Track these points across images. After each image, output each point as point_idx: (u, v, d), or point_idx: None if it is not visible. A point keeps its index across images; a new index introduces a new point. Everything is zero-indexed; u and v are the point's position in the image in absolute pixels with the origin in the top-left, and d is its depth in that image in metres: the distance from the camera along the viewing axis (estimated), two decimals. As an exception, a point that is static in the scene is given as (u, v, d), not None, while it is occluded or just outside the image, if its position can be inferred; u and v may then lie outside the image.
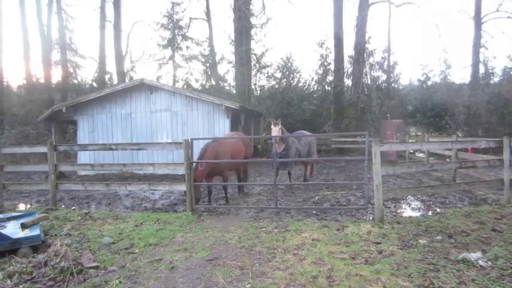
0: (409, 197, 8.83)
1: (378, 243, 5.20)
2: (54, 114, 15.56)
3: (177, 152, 12.64)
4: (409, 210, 7.84)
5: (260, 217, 7.02)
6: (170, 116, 15.06)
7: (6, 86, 28.78)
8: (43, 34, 26.10)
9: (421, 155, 17.64)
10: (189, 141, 6.97)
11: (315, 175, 12.20)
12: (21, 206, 9.15)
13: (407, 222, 6.45)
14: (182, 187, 7.13)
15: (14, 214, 6.21)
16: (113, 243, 5.44)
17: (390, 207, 7.94)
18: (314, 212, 7.63)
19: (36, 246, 5.05)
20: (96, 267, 4.42)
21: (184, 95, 14.93)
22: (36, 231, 5.17)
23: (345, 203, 8.42)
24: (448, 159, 14.95)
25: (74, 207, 8.67)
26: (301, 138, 10.40)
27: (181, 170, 7.26)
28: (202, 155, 7.75)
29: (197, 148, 7.87)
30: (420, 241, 5.34)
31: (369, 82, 25.12)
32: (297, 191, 9.92)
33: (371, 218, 7.00)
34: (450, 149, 11.00)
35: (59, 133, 16.42)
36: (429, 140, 13.80)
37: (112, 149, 7.42)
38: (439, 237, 5.47)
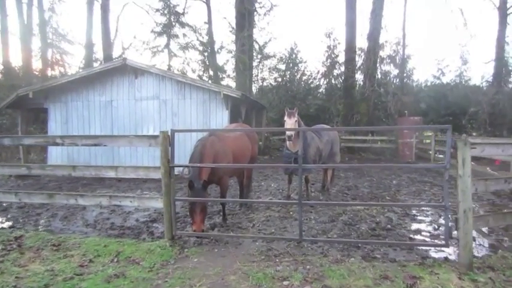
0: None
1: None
2: (20, 101, 13.04)
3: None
4: (485, 241, 5.48)
5: (274, 251, 4.56)
6: (158, 105, 12.61)
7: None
8: (22, 18, 23.50)
9: (441, 156, 15.41)
10: (169, 133, 4.53)
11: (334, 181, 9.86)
12: None
13: (504, 266, 4.15)
14: (158, 204, 4.70)
15: None
16: (19, 313, 3.04)
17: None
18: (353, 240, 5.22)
19: None
20: None
21: (176, 79, 12.44)
22: None
23: (389, 226, 6.03)
24: (487, 168, 12.50)
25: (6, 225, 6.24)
26: (322, 134, 8.04)
27: (157, 175, 4.83)
28: (199, 154, 5.17)
29: (189, 144, 5.47)
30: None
31: (379, 76, 23.03)
32: (318, 205, 7.48)
33: (442, 254, 4.64)
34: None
35: (26, 123, 13.90)
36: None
37: (57, 143, 5.03)
38: None
